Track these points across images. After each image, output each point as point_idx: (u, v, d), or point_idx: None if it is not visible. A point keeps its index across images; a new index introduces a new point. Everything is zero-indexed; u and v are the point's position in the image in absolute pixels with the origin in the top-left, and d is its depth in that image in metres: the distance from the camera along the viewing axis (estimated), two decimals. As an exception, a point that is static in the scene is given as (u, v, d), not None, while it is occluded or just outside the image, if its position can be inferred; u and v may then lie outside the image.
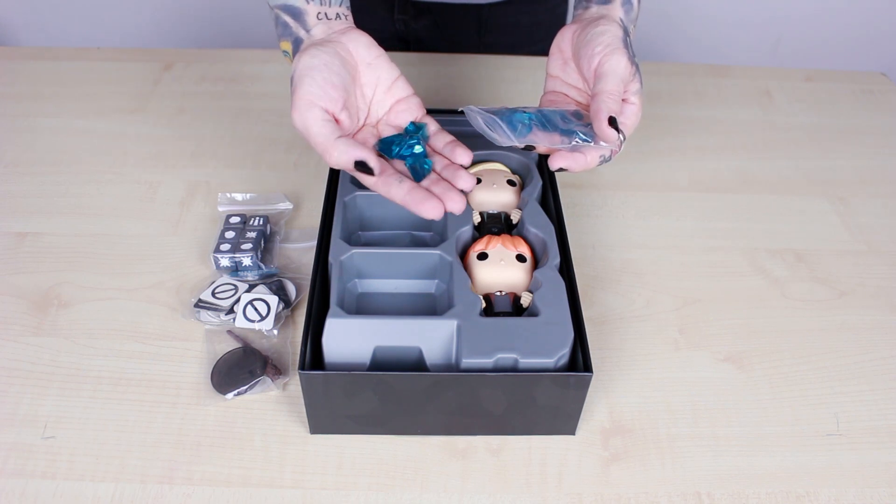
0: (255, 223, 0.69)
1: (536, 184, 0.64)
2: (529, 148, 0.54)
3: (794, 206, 0.77)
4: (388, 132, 0.57)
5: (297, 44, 0.55)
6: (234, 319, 0.61)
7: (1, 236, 0.69)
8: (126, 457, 0.53)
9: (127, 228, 0.71)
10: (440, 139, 0.57)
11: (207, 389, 0.57)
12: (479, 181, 0.64)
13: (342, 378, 0.51)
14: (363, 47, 0.55)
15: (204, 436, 0.55)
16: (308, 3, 0.55)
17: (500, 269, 0.57)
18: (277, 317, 0.62)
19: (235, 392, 0.57)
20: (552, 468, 0.54)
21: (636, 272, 0.69)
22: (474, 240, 0.61)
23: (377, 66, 0.56)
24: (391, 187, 0.51)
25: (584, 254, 0.70)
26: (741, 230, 0.74)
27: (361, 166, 0.49)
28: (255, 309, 0.61)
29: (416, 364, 0.53)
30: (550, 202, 0.64)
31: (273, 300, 0.62)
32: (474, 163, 0.67)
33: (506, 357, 0.51)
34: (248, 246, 0.66)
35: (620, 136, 0.52)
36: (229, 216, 0.69)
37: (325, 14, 0.56)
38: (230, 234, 0.67)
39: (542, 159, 0.68)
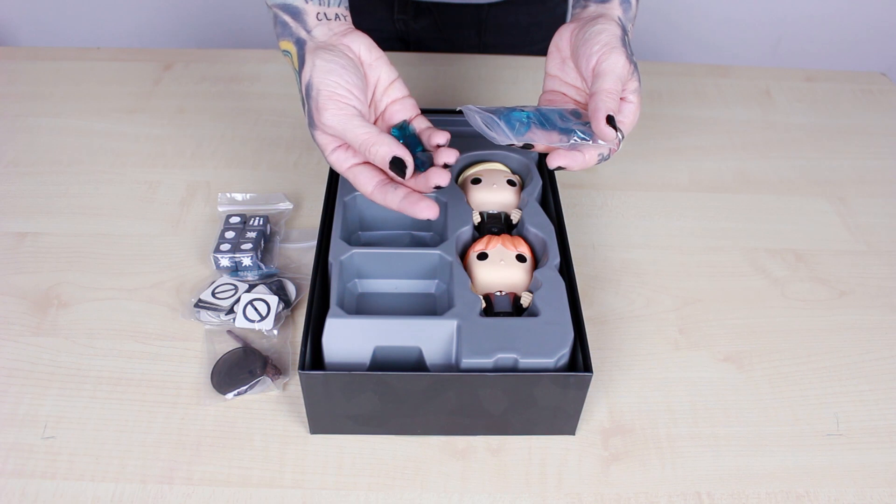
0: (255, 223, 0.69)
1: (536, 184, 0.64)
2: (528, 146, 0.54)
3: (794, 206, 0.77)
4: None
5: (299, 45, 0.55)
6: (234, 319, 0.61)
7: (1, 236, 0.69)
8: (126, 457, 0.53)
9: (127, 228, 0.71)
10: (420, 123, 0.58)
11: (207, 389, 0.57)
12: (479, 181, 0.64)
13: (342, 378, 0.51)
14: (364, 49, 0.56)
15: (204, 436, 0.55)
16: (307, 2, 0.55)
17: (500, 269, 0.57)
18: (277, 317, 0.62)
19: (235, 392, 0.57)
20: (552, 468, 0.54)
21: (636, 272, 0.69)
22: (474, 240, 0.61)
23: (377, 67, 0.56)
24: (387, 195, 0.53)
25: (584, 254, 0.70)
26: (741, 230, 0.74)
27: (397, 164, 0.51)
28: (255, 309, 0.61)
29: (416, 364, 0.53)
30: (550, 202, 0.64)
31: (273, 300, 0.62)
32: (474, 163, 0.67)
33: (506, 357, 0.51)
34: (248, 246, 0.66)
35: (619, 134, 0.52)
36: (229, 216, 0.69)
37: (325, 14, 0.56)
38: (230, 234, 0.67)
39: (542, 159, 0.68)
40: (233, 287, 0.64)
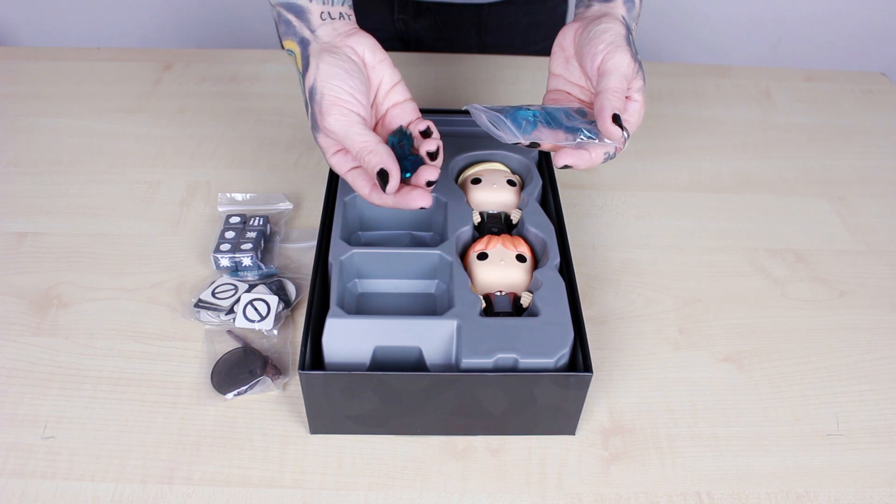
0: (255, 223, 0.69)
1: (536, 184, 0.64)
2: (534, 145, 0.54)
3: (794, 206, 0.77)
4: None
5: (303, 44, 0.55)
6: (234, 319, 0.61)
7: (1, 236, 0.69)
8: (126, 457, 0.53)
9: (127, 228, 0.71)
10: (418, 127, 0.57)
11: (207, 389, 0.57)
12: (479, 181, 0.64)
13: (342, 378, 0.51)
14: (368, 51, 0.56)
15: (204, 436, 0.55)
16: (311, 1, 0.55)
17: (500, 269, 0.57)
18: (277, 317, 0.62)
19: (235, 392, 0.57)
20: (552, 468, 0.54)
21: (636, 272, 0.69)
22: (474, 240, 0.61)
23: (380, 70, 0.56)
24: (383, 195, 0.53)
25: (584, 254, 0.70)
26: (741, 230, 0.74)
27: (382, 175, 0.51)
28: (255, 309, 0.61)
29: (416, 364, 0.53)
30: (550, 202, 0.64)
31: (273, 300, 0.62)
32: (474, 162, 0.67)
33: (506, 357, 0.51)
34: (248, 246, 0.66)
35: (624, 133, 0.52)
36: (229, 216, 0.69)
37: (329, 14, 0.56)
38: (230, 234, 0.67)
39: (542, 159, 0.68)
40: (233, 287, 0.64)
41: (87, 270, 0.67)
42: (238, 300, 0.62)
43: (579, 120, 0.55)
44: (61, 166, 0.78)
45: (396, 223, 0.64)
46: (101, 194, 0.75)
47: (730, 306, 0.66)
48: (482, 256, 0.58)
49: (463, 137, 0.68)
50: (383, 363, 0.53)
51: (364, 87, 0.54)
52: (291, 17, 0.56)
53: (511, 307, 0.56)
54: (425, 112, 0.60)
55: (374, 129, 0.57)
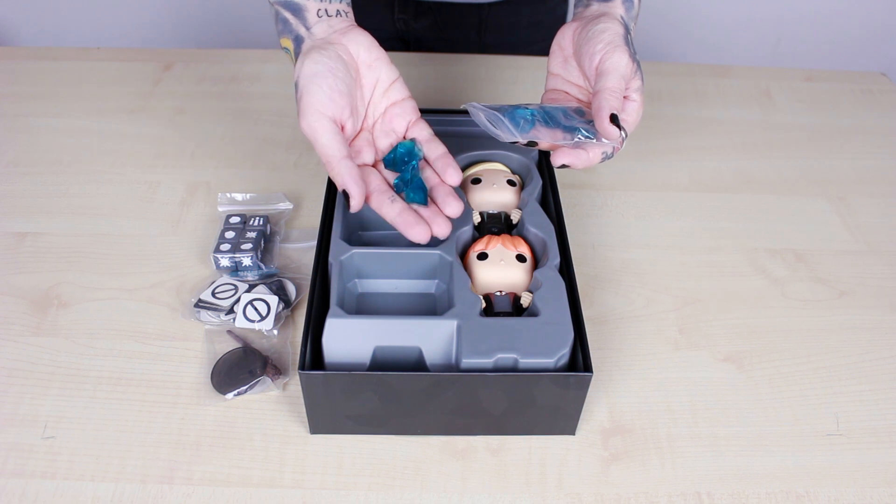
0: (255, 223, 0.69)
1: (536, 184, 0.64)
2: (532, 144, 0.54)
3: (794, 206, 0.77)
4: (381, 140, 0.57)
5: (297, 42, 0.55)
6: (234, 319, 0.61)
7: (1, 236, 0.69)
8: (126, 457, 0.53)
9: (127, 228, 0.71)
10: (433, 150, 0.57)
11: (207, 389, 0.57)
12: (479, 181, 0.64)
13: (342, 378, 0.51)
14: (364, 49, 0.55)
15: (204, 436, 0.55)
16: None
17: (500, 269, 0.57)
18: (277, 317, 0.62)
19: (235, 392, 0.57)
20: (552, 468, 0.54)
21: (636, 272, 0.69)
22: (474, 240, 0.61)
23: (377, 67, 0.56)
24: (383, 206, 0.53)
25: (584, 254, 0.70)
26: (741, 230, 0.74)
27: (344, 195, 0.52)
28: (255, 309, 0.61)
29: (416, 364, 0.53)
30: (550, 202, 0.64)
31: (273, 300, 0.62)
32: (474, 162, 0.67)
33: (506, 357, 0.51)
34: (248, 246, 0.66)
35: (622, 133, 0.52)
36: (229, 216, 0.69)
37: (326, 11, 0.56)
38: (230, 234, 0.67)
39: (543, 159, 0.68)
40: (233, 287, 0.64)
41: (87, 270, 0.67)
42: (238, 300, 0.62)
43: (577, 119, 0.55)
44: (61, 166, 0.78)
45: (396, 223, 0.64)
46: (101, 194, 0.75)
47: (730, 306, 0.66)
48: (482, 256, 0.58)
49: (463, 137, 0.68)
50: (383, 363, 0.53)
51: (347, 88, 0.53)
52: (288, 15, 0.56)
53: (511, 307, 0.56)
54: (425, 112, 0.60)
55: (371, 132, 0.57)
